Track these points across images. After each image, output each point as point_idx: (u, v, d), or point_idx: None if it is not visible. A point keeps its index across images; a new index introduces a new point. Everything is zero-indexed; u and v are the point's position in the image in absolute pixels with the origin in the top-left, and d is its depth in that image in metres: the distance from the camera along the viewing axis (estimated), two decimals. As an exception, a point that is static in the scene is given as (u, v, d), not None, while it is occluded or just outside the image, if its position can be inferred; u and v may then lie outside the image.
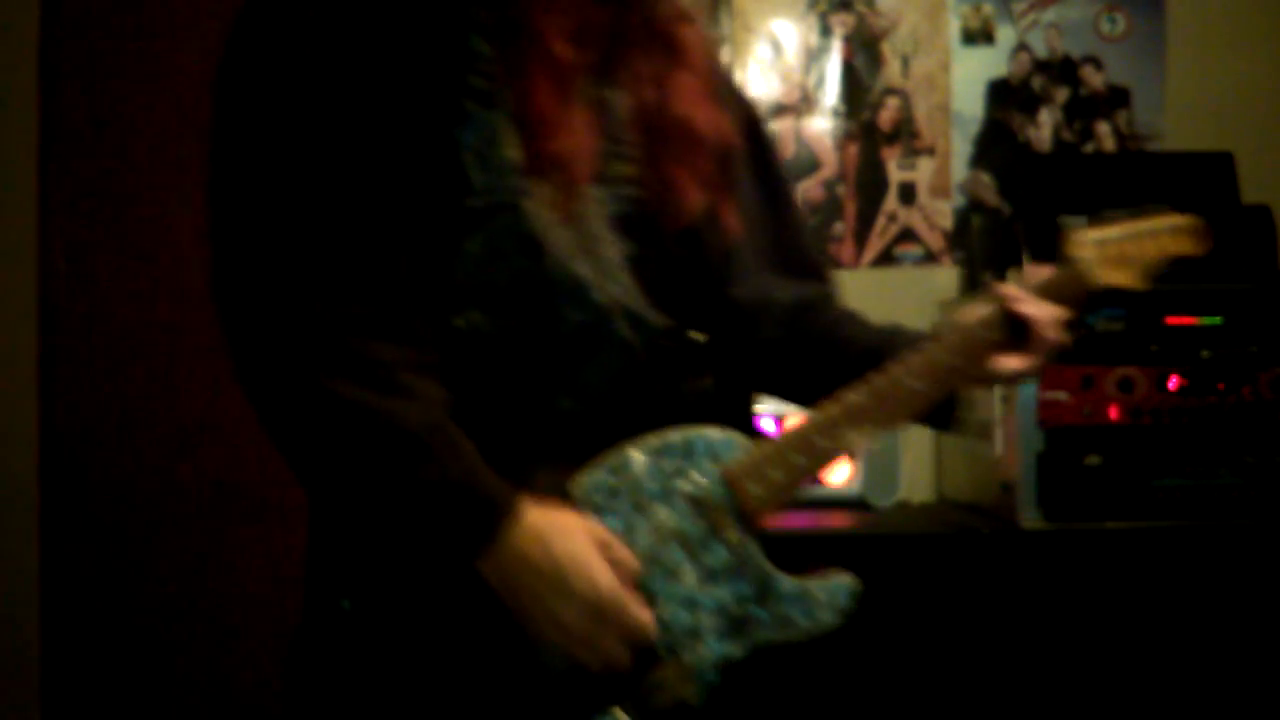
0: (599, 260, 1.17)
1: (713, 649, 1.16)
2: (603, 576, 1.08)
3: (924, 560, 2.34)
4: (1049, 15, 3.01)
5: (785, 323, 1.37)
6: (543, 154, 1.12)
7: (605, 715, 1.12)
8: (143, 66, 2.81)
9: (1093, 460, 2.36)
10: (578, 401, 1.16)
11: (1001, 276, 2.50)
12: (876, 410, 1.23)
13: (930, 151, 2.99)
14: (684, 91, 1.22)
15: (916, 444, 2.95)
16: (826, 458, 1.23)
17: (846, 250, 2.98)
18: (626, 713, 1.13)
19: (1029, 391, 2.34)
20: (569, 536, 1.09)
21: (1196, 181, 2.67)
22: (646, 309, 1.19)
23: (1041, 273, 1.39)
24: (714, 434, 1.18)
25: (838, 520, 2.48)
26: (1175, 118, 3.01)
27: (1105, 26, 3.02)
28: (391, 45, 1.10)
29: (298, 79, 1.09)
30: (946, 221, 2.98)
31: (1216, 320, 2.39)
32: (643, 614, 1.11)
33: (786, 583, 1.21)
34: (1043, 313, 1.31)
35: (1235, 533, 2.33)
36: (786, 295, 1.36)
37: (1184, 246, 1.43)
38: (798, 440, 1.21)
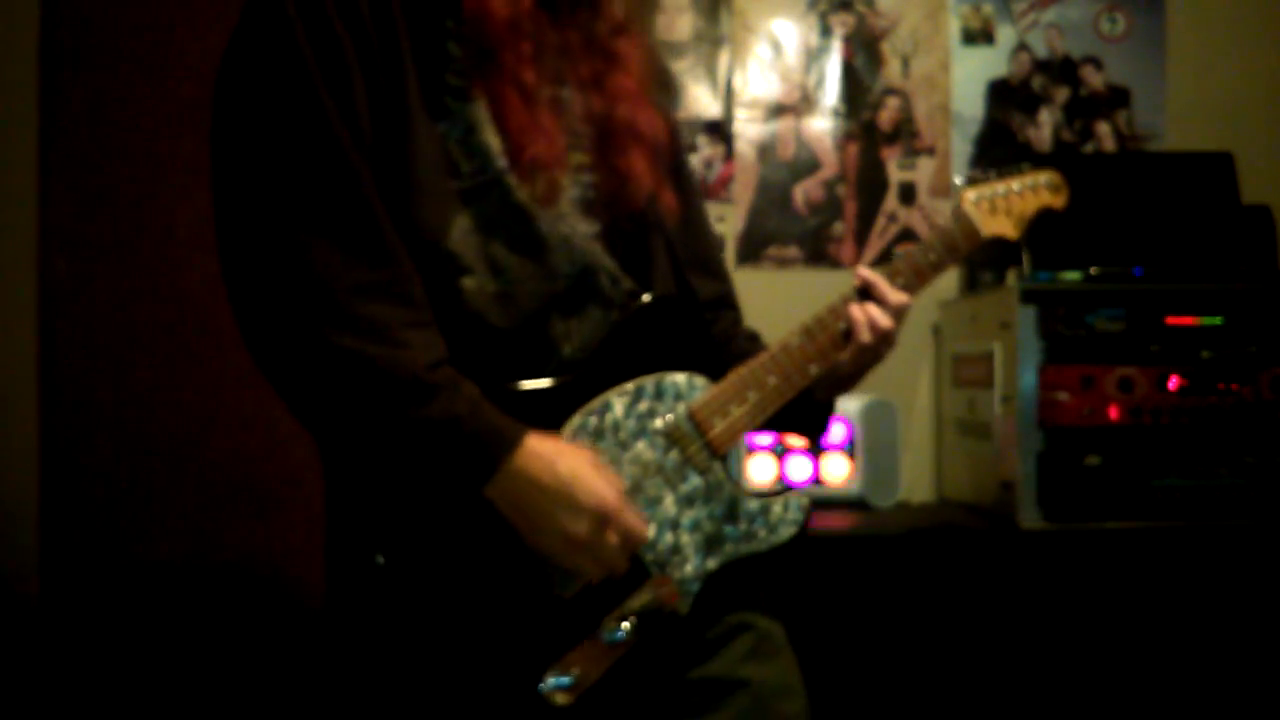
0: (574, 231, 1.34)
1: (694, 564, 1.33)
2: (604, 488, 1.23)
3: (924, 560, 2.34)
4: (1049, 15, 3.01)
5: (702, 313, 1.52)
6: (523, 160, 1.28)
7: (610, 629, 1.26)
8: (143, 65, 2.81)
9: (1093, 460, 2.36)
10: (577, 350, 1.31)
11: (1001, 277, 2.51)
12: (810, 348, 1.41)
13: (930, 151, 2.99)
14: (623, 93, 1.39)
15: (916, 444, 2.96)
16: (777, 394, 1.39)
17: (846, 250, 2.98)
18: (630, 623, 1.27)
19: (1029, 391, 2.35)
20: (570, 456, 1.23)
21: (1196, 181, 2.67)
22: (619, 272, 1.36)
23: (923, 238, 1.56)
24: (679, 377, 1.35)
25: (838, 520, 2.48)
26: (1175, 118, 3.01)
27: (1105, 26, 3.02)
28: (379, 50, 1.24)
29: (295, 75, 1.20)
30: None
31: (1216, 320, 2.39)
32: (638, 519, 1.26)
33: (751, 502, 1.37)
34: (889, 296, 1.45)
35: (1235, 533, 2.33)
36: (703, 290, 1.52)
37: (1052, 200, 1.61)
38: (751, 378, 1.38)
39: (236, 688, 2.77)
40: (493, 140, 1.27)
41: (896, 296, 1.44)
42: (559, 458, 1.22)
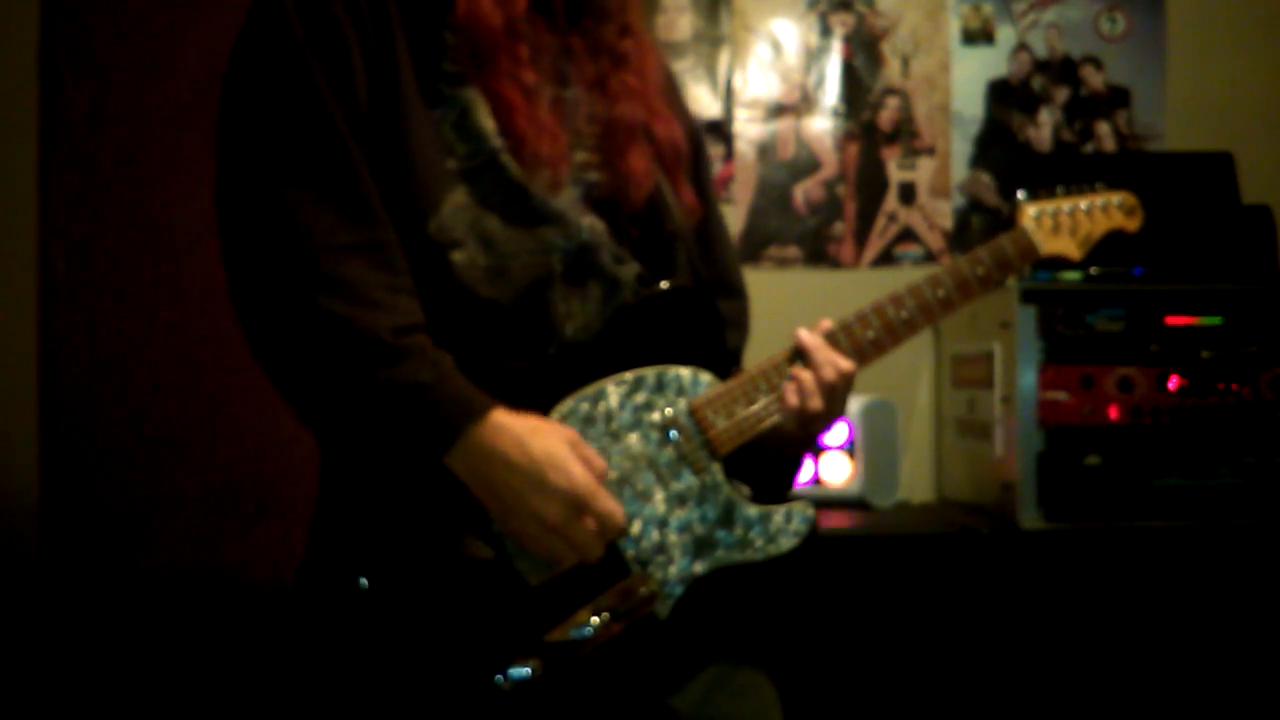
0: (572, 207, 1.31)
1: (679, 566, 1.27)
2: (577, 470, 1.19)
3: (924, 560, 2.34)
4: (1049, 15, 3.01)
5: None
6: (524, 154, 1.28)
7: (579, 623, 1.21)
8: (143, 65, 2.81)
9: (1093, 460, 2.36)
10: (579, 330, 1.29)
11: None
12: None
13: (930, 151, 2.99)
14: (626, 92, 1.38)
15: (916, 444, 2.96)
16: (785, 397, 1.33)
17: (846, 250, 2.98)
18: (600, 619, 1.22)
19: (1029, 391, 2.35)
20: (544, 435, 1.19)
21: (1196, 181, 2.67)
22: (626, 255, 1.34)
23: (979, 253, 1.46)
24: (684, 371, 1.30)
25: (838, 520, 2.48)
26: (1175, 118, 3.01)
27: (1105, 26, 3.02)
28: (374, 35, 1.26)
29: (288, 49, 1.23)
30: (946, 221, 2.99)
31: (1216, 320, 2.39)
32: (615, 505, 1.21)
33: (749, 509, 1.30)
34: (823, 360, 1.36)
35: (1235, 533, 2.33)
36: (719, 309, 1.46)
37: (1125, 222, 1.52)
38: (760, 379, 1.33)
39: (236, 687, 2.77)
40: (487, 122, 1.27)
41: (829, 370, 1.32)
42: (532, 436, 1.18)
